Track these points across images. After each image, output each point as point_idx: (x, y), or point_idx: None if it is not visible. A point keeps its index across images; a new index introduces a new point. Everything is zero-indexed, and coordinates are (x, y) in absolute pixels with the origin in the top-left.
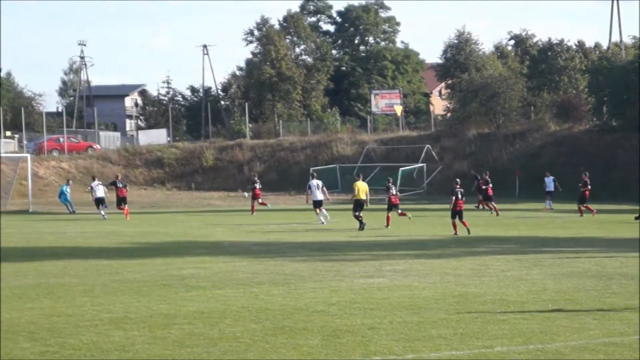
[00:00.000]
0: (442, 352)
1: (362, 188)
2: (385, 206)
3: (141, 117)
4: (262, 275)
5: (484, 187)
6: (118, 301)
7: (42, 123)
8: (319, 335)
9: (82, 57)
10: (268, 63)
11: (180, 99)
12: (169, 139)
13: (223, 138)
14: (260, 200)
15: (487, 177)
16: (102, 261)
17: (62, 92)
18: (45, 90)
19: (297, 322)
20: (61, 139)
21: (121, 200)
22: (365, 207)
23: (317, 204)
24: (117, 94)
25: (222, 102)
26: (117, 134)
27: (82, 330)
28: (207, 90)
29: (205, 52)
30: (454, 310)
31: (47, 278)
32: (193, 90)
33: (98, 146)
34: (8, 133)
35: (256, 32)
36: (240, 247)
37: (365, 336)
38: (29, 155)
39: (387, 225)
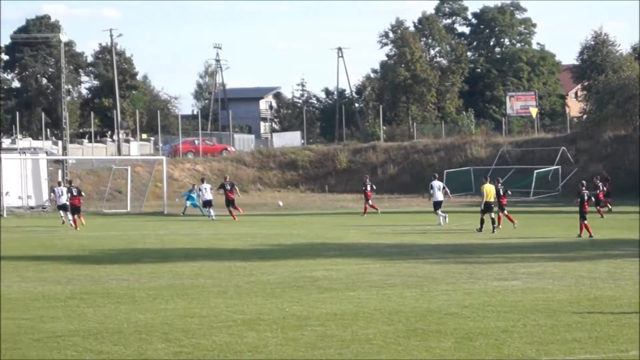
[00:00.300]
0: (576, 356)
1: (489, 190)
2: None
3: (275, 120)
4: (395, 277)
5: (597, 191)
6: (251, 302)
7: (178, 126)
8: (452, 337)
9: (217, 60)
10: (403, 65)
11: (315, 102)
12: (302, 141)
13: (357, 140)
14: (370, 203)
15: (597, 181)
16: (235, 263)
17: (198, 95)
18: (181, 93)
19: (430, 324)
20: (196, 142)
21: (229, 202)
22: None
23: (437, 205)
24: (252, 96)
25: (356, 105)
26: (252, 137)
27: (216, 332)
28: (341, 93)
29: (340, 55)
30: (588, 313)
31: (182, 279)
32: (327, 92)
33: (232, 149)
34: (144, 136)
35: (391, 35)
36: (372, 249)
37: (498, 339)
38: (164, 158)
39: (514, 224)
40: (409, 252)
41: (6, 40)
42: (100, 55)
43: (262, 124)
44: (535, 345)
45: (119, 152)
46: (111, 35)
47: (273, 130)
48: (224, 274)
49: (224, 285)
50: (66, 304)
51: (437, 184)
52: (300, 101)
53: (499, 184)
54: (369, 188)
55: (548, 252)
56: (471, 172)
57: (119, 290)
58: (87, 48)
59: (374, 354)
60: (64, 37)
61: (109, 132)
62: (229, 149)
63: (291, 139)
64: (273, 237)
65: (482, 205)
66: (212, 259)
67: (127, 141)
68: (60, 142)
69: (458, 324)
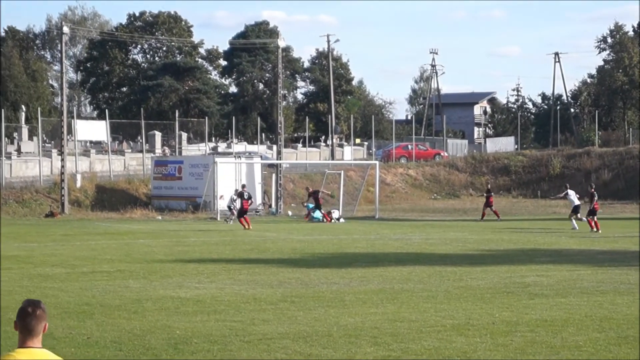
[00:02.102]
0: None
1: None
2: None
3: (489, 125)
4: (607, 284)
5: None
6: (461, 307)
7: (391, 131)
8: None
9: (433, 66)
10: (620, 70)
11: (531, 106)
12: (516, 146)
13: (571, 146)
14: (494, 208)
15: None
16: (445, 268)
17: (412, 100)
18: (395, 98)
19: None
20: (409, 146)
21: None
22: None
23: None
24: (466, 101)
25: (572, 110)
26: (465, 142)
27: (425, 336)
28: (557, 98)
29: (557, 60)
30: None
31: (391, 284)
32: (544, 97)
33: (445, 154)
34: (358, 140)
35: (609, 39)
36: (584, 255)
37: None
38: (377, 163)
39: (593, 229)
40: (622, 259)
41: (224, 46)
42: (316, 61)
43: (475, 129)
44: None
45: (332, 156)
46: (328, 41)
47: (487, 136)
48: (434, 279)
49: (433, 290)
50: (277, 307)
51: (572, 192)
52: (515, 106)
53: (593, 190)
54: (492, 193)
55: None
56: None
57: (329, 294)
58: (304, 53)
59: None
60: (281, 43)
61: (323, 137)
62: (442, 154)
63: (505, 144)
64: (484, 243)
65: None
66: (422, 264)
67: (341, 146)
68: (274, 147)
69: None
